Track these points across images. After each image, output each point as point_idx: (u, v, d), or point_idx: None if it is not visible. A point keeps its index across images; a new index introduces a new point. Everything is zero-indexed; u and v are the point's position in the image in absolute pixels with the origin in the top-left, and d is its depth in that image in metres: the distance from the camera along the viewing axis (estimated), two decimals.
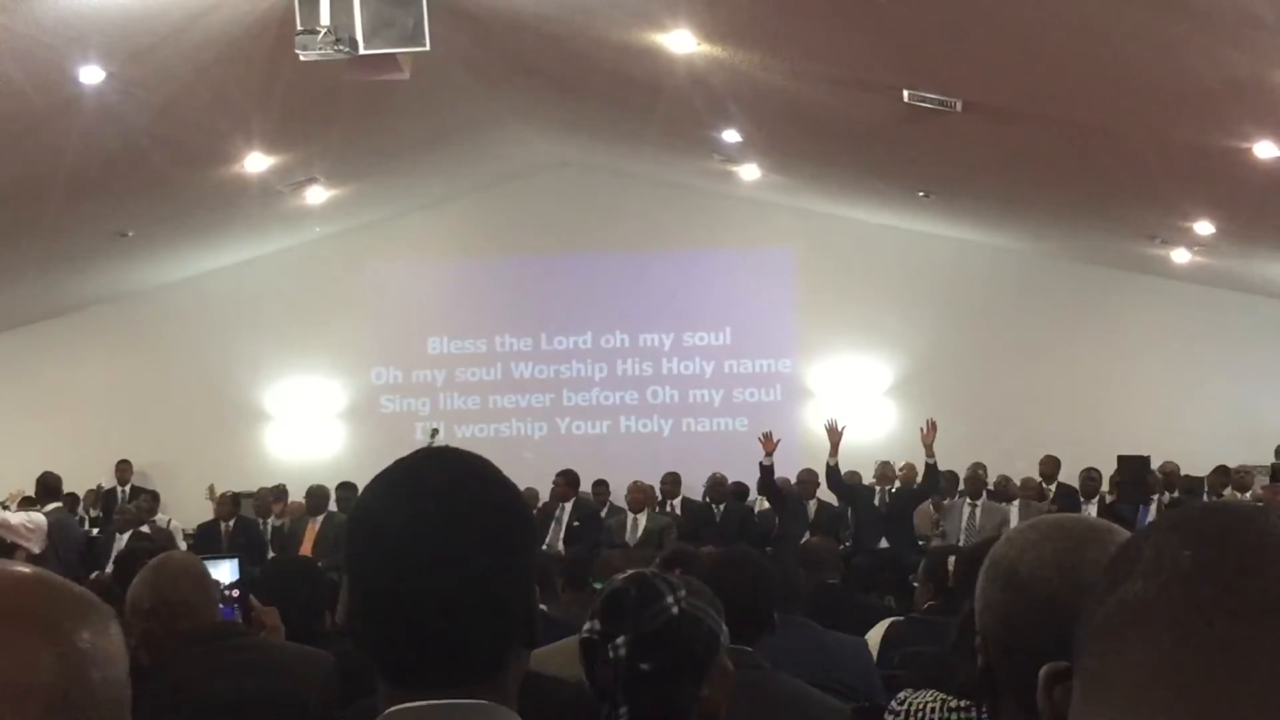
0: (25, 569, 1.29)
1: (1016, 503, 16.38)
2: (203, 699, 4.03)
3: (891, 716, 3.52)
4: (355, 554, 1.93)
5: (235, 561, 6.03)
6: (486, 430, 21.60)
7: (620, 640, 2.98)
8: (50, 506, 14.57)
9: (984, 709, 3.26)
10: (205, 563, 4.98)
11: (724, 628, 3.18)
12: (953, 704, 3.38)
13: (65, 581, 1.29)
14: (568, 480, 16.72)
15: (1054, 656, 1.44)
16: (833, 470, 15.76)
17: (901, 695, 3.56)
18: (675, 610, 3.06)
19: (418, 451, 2.01)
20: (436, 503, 1.89)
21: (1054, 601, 2.01)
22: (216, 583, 4.90)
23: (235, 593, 5.44)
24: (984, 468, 16.94)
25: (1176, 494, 16.85)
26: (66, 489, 17.51)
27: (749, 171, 18.92)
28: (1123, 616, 1.14)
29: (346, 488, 17.82)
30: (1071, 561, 2.07)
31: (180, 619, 4.57)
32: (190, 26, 12.02)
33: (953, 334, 20.92)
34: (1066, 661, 1.28)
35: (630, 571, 3.17)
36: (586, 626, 3.04)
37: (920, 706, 3.45)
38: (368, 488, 1.97)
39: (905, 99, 12.74)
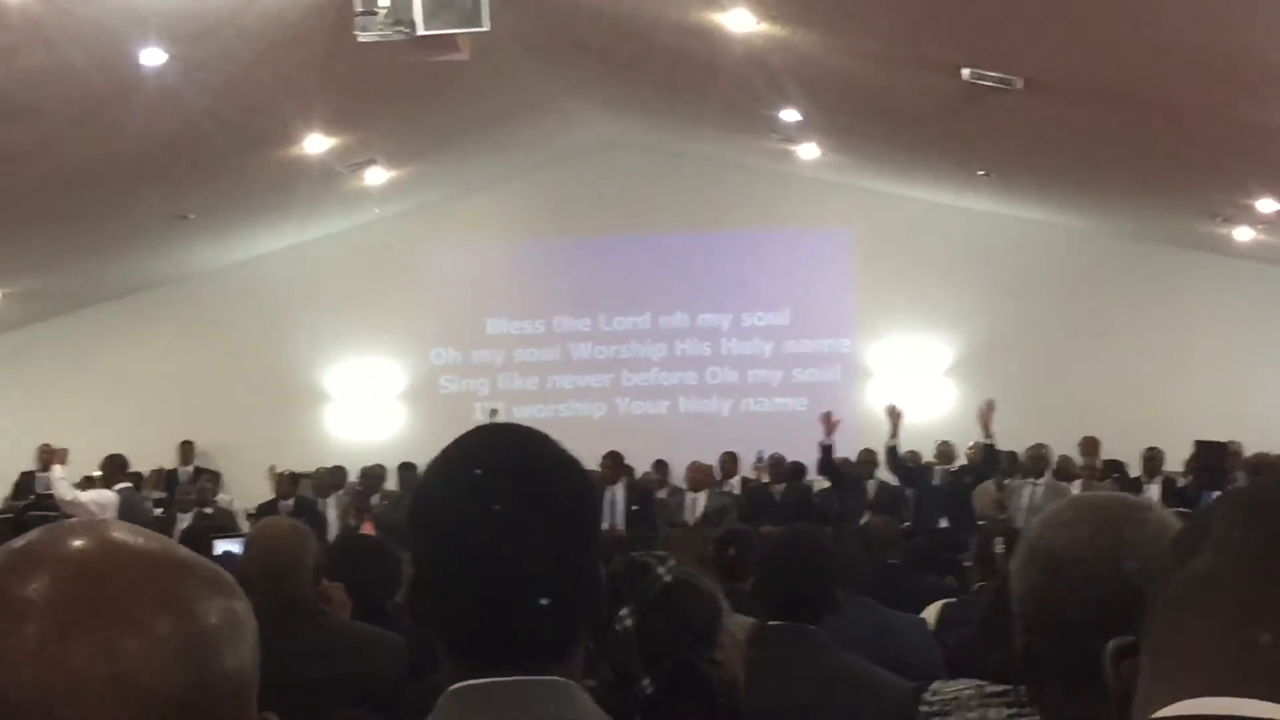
0: (150, 540, 1.22)
1: (1079, 482, 16.30)
2: (272, 679, 4.04)
3: (926, 708, 3.51)
4: (421, 535, 1.93)
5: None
6: (545, 411, 21.60)
7: (624, 612, 2.99)
8: (119, 485, 14.66)
9: (1024, 690, 3.26)
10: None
11: (723, 598, 3.18)
12: (989, 689, 3.37)
13: (192, 554, 1.23)
14: (615, 462, 16.68)
15: (1094, 636, 1.43)
16: (892, 451, 15.75)
17: (933, 687, 3.55)
18: (668, 578, 3.07)
19: (479, 429, 2.01)
20: (503, 482, 1.88)
21: (1091, 581, 1.99)
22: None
23: None
24: (1046, 447, 16.84)
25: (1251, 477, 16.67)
26: (130, 470, 17.64)
27: (808, 151, 18.86)
28: (1191, 591, 1.13)
29: (407, 468, 17.92)
30: (1107, 541, 2.05)
31: (281, 589, 4.59)
32: (250, 8, 12.06)
33: (1013, 313, 20.81)
34: (1130, 636, 1.28)
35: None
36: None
37: (955, 695, 3.44)
38: (432, 468, 1.96)
39: (965, 77, 12.67)
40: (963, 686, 3.40)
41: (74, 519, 1.16)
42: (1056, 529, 2.10)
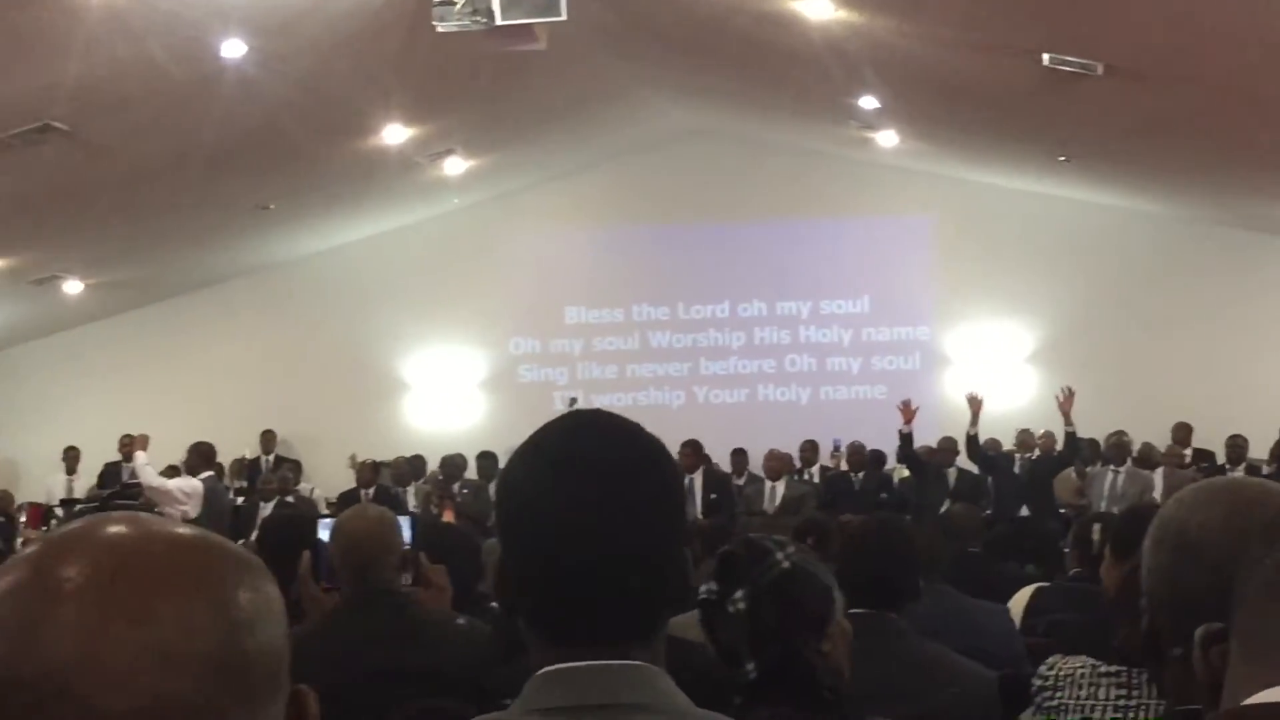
0: (183, 527, 1.28)
1: (1160, 470, 16.20)
2: (357, 668, 4.07)
3: (1040, 681, 3.50)
4: (509, 521, 1.95)
5: (408, 519, 6.02)
6: (624, 399, 21.61)
7: (739, 595, 2.99)
8: (203, 474, 14.78)
9: (1137, 673, 3.24)
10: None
11: (838, 590, 3.19)
12: (1103, 669, 3.36)
13: (223, 540, 1.29)
14: (694, 451, 16.64)
15: (1222, 619, 1.43)
16: (973, 439, 15.71)
17: (1050, 661, 3.54)
18: (786, 564, 3.07)
19: (566, 415, 2.02)
20: (590, 468, 1.89)
21: (1223, 564, 1.97)
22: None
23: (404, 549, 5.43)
24: (1127, 434, 16.72)
25: None
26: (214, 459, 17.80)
27: (887, 138, 18.79)
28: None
29: (486, 457, 17.97)
30: (1241, 524, 2.03)
31: (366, 578, 4.62)
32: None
33: (1094, 300, 20.65)
34: (1218, 624, 1.27)
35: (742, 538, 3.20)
36: (704, 588, 3.05)
37: (1070, 672, 3.43)
38: (519, 454, 1.97)
39: (1045, 62, 12.60)
40: (1077, 664, 3.40)
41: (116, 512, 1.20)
42: (1190, 510, 2.09)
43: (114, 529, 1.24)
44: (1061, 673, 3.43)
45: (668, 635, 1.97)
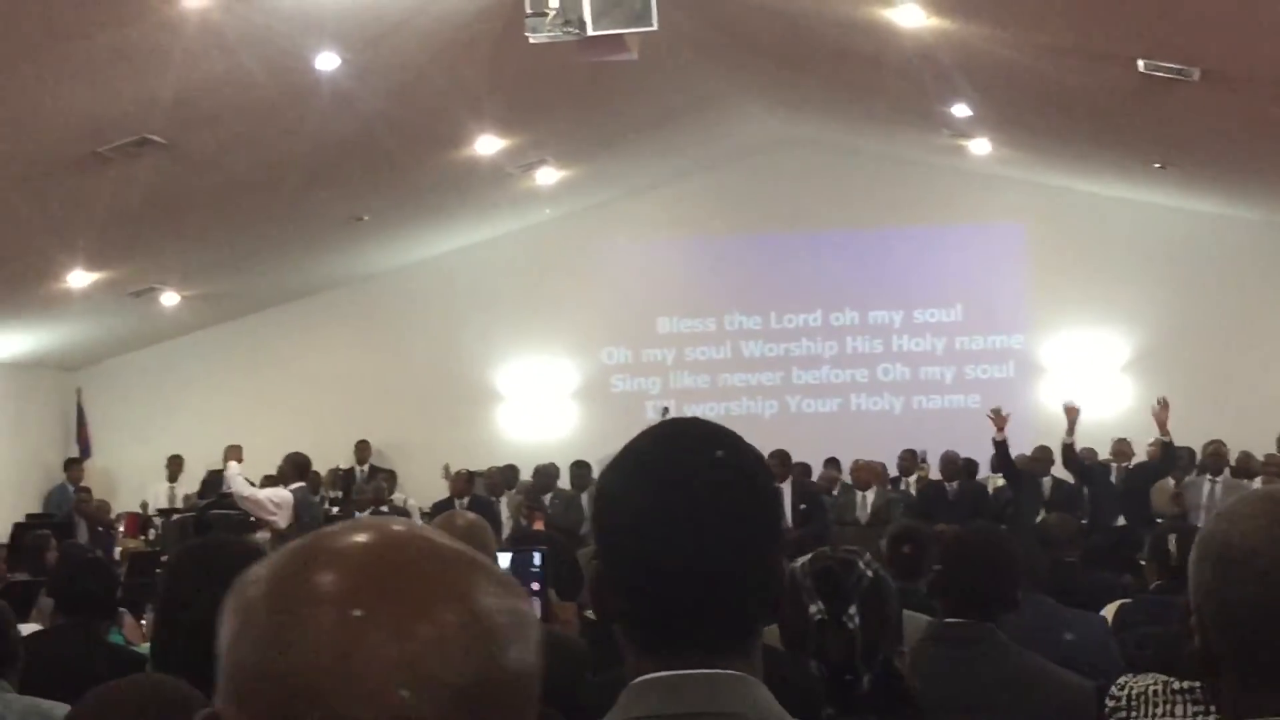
0: (442, 537, 1.25)
1: (1259, 479, 16.01)
2: None
3: (1112, 703, 3.47)
4: (611, 531, 1.95)
5: (541, 553, 5.90)
6: (717, 409, 21.58)
7: (852, 610, 2.98)
8: (294, 485, 14.89)
9: (1213, 688, 3.21)
10: (510, 553, 4.96)
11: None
12: (1176, 686, 3.32)
13: (479, 554, 1.26)
14: (782, 461, 16.58)
15: (1270, 632, 1.40)
16: (1069, 448, 15.59)
17: (1121, 681, 3.52)
18: (869, 573, 3.06)
19: (664, 424, 2.02)
20: (691, 478, 1.89)
21: (1269, 576, 1.94)
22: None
23: (536, 585, 5.40)
24: (1224, 444, 16.54)
25: None
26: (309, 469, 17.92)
27: (979, 146, 18.70)
28: None
29: (579, 466, 18.00)
30: None
31: None
32: (422, 11, 12.21)
33: (1190, 307, 20.45)
34: None
35: (813, 552, 3.16)
36: (814, 608, 3.02)
37: (1141, 691, 3.39)
38: (618, 464, 1.97)
39: (1140, 68, 12.49)
40: (1149, 682, 3.37)
41: (353, 518, 1.19)
42: (1232, 522, 2.06)
43: (369, 537, 1.22)
44: (1134, 692, 3.39)
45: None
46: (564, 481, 18.24)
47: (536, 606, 5.21)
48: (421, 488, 19.72)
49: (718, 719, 1.82)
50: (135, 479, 21.10)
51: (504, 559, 5.85)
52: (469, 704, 1.16)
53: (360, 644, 1.14)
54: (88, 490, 18.92)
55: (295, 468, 15.11)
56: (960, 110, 16.55)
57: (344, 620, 1.15)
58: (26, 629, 6.53)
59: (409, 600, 1.17)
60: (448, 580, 1.20)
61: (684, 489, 1.88)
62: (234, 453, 14.49)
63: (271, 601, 1.18)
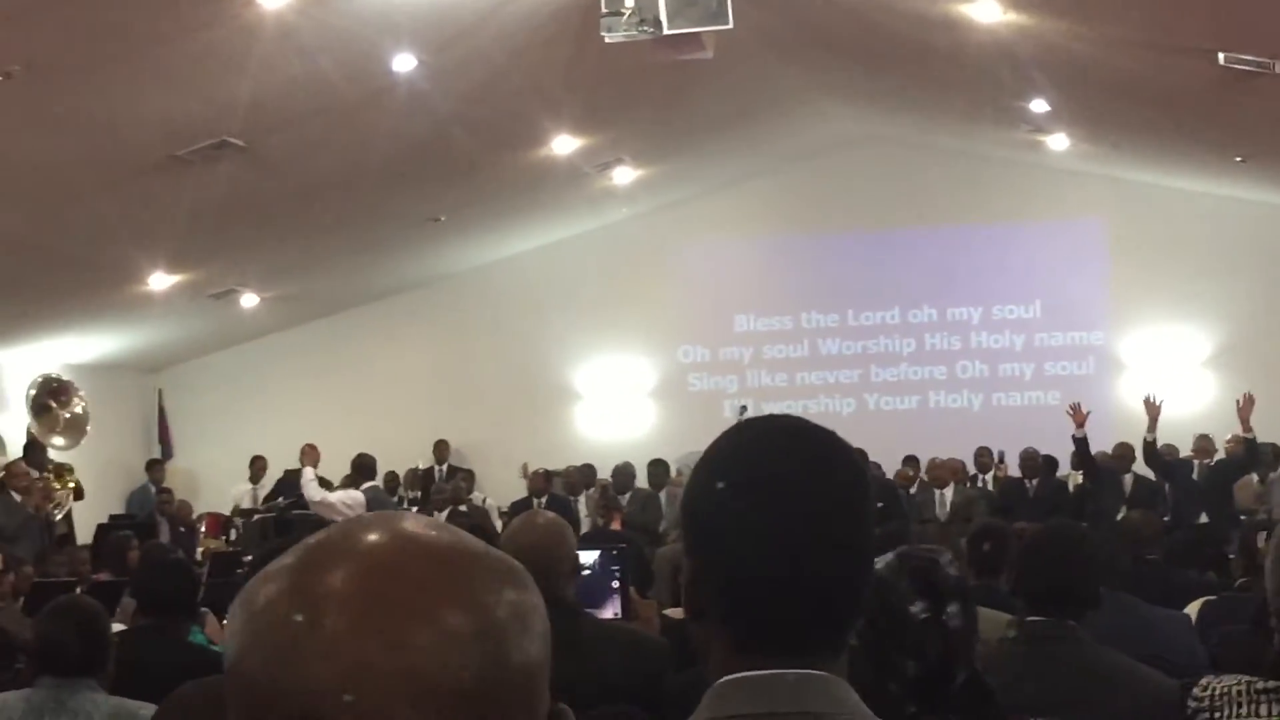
0: (441, 532, 1.23)
1: None
2: None
3: (1194, 704, 3.43)
4: (701, 531, 1.92)
5: (621, 551, 5.92)
6: (794, 407, 21.53)
7: (954, 608, 2.96)
8: (365, 485, 14.96)
9: None
10: (593, 552, 4.96)
11: None
12: (1259, 685, 3.28)
13: (484, 546, 1.25)
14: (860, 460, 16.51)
15: None
16: (1150, 445, 15.47)
17: (1203, 682, 3.48)
18: (952, 571, 3.04)
19: (756, 422, 2.00)
20: (784, 478, 1.87)
21: None
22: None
23: (617, 583, 5.42)
24: None
25: None
26: (386, 469, 18.00)
27: (1058, 141, 18.57)
28: None
29: (658, 464, 18.02)
30: None
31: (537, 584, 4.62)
32: (499, 11, 12.24)
33: (1273, 302, 20.21)
34: None
35: (898, 550, 3.13)
36: (916, 607, 2.99)
37: (1224, 691, 3.35)
38: (708, 463, 1.94)
39: (1221, 61, 12.38)
40: (1231, 682, 3.33)
41: (368, 514, 1.19)
42: None
43: (371, 537, 1.21)
44: (1216, 692, 3.35)
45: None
46: (641, 480, 18.27)
47: (618, 603, 5.23)
48: (499, 487, 19.78)
49: (805, 718, 1.80)
50: (216, 480, 21.27)
51: (585, 557, 5.86)
52: (475, 705, 1.16)
53: (358, 660, 1.13)
54: (169, 491, 19.08)
55: (361, 469, 15.20)
56: (1038, 105, 16.45)
57: (340, 637, 1.14)
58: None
59: (408, 605, 1.16)
60: (447, 580, 1.19)
61: (778, 488, 1.86)
62: (310, 453, 14.56)
63: (272, 617, 1.17)
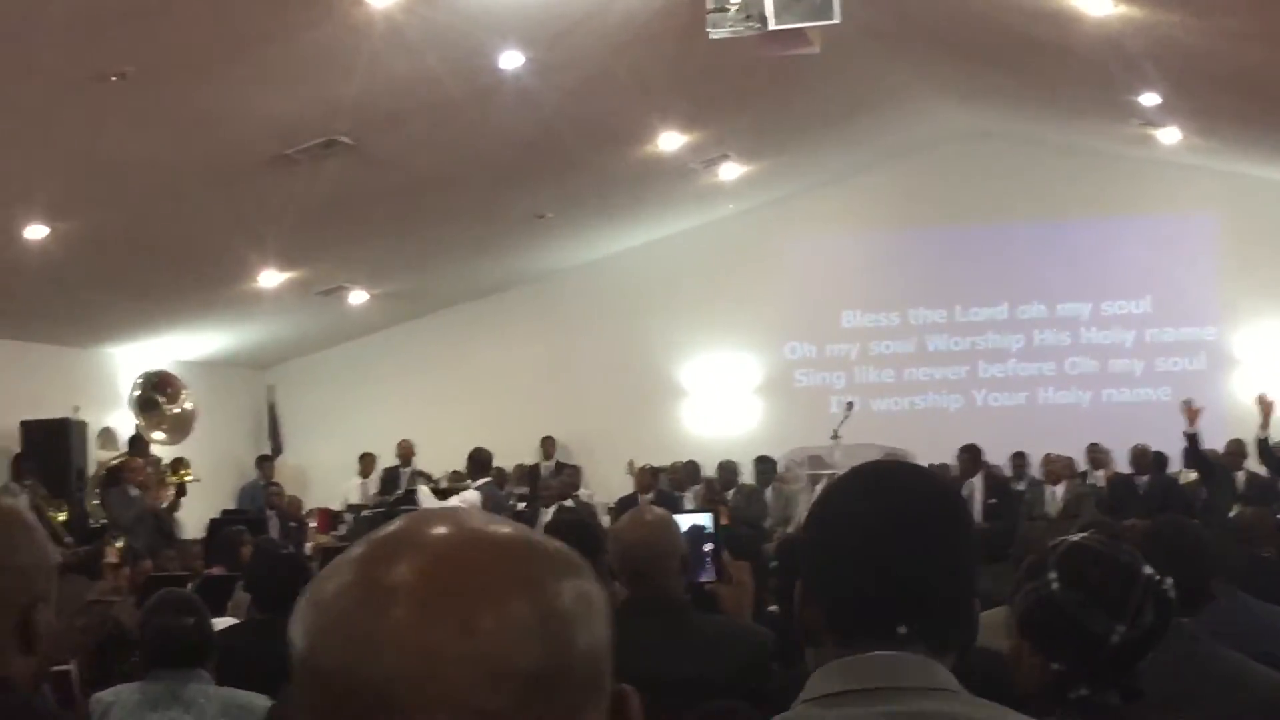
0: (503, 525, 1.27)
1: None
2: (634, 675, 4.07)
3: None
4: (824, 546, 2.24)
5: (710, 515, 5.97)
6: (901, 404, 21.51)
7: (1169, 583, 2.93)
8: (481, 481, 15.02)
9: None
10: (681, 517, 4.98)
11: None
12: None
13: (544, 538, 1.28)
14: (973, 456, 16.47)
15: None
16: (1263, 442, 15.29)
17: None
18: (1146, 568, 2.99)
19: (879, 465, 2.35)
20: (900, 513, 2.18)
21: None
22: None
23: (710, 546, 5.42)
24: None
25: None
26: (494, 465, 18.06)
27: (1169, 135, 18.35)
28: None
29: (764, 461, 18.00)
30: None
31: (644, 583, 4.63)
32: (606, 9, 12.27)
33: None
34: None
35: (1086, 534, 3.10)
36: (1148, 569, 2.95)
37: None
38: (840, 486, 2.31)
39: None
40: None
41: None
42: None
43: (436, 530, 1.24)
44: None
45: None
46: (747, 477, 18.26)
47: (711, 568, 5.23)
48: (606, 483, 19.82)
49: (899, 692, 2.04)
50: (325, 475, 21.44)
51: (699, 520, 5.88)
52: (541, 691, 1.18)
53: (427, 648, 1.16)
54: (279, 486, 19.26)
55: (477, 464, 15.27)
56: (1149, 99, 16.27)
57: (409, 626, 1.16)
58: (222, 622, 6.66)
59: (474, 593, 1.18)
60: (511, 570, 1.22)
61: (894, 516, 2.17)
62: (406, 448, 14.64)
63: (341, 608, 1.20)
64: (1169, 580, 2.93)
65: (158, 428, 17.73)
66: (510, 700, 1.17)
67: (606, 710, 1.26)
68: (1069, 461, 18.03)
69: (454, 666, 1.15)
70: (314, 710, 1.20)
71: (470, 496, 14.40)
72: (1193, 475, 16.48)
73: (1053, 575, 2.89)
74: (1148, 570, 2.91)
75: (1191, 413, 15.21)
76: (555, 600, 1.21)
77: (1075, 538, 3.00)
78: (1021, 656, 2.91)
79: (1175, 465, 17.16)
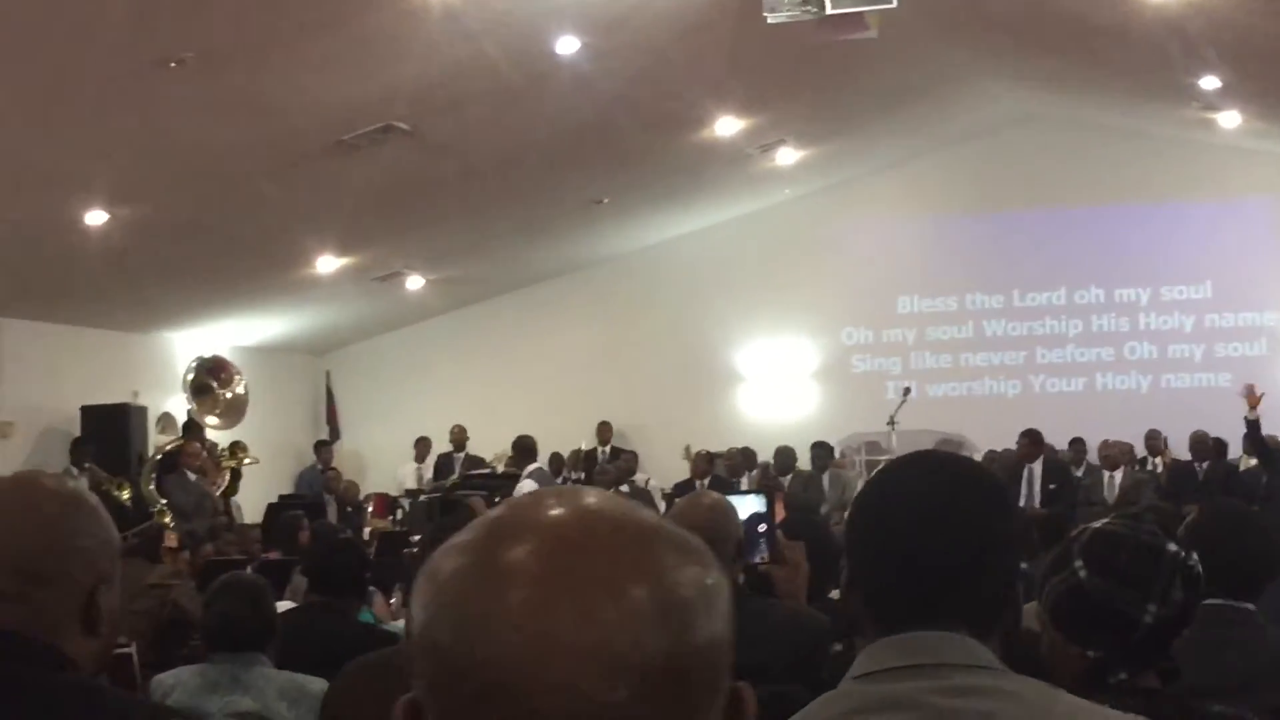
0: (625, 508, 1.24)
1: None
2: None
3: None
4: (869, 518, 2.32)
5: (762, 497, 5.97)
6: (958, 389, 21.44)
7: (1195, 559, 2.93)
8: (530, 468, 15.04)
9: None
10: (732, 499, 4.98)
11: None
12: None
13: (666, 522, 1.25)
14: (1033, 440, 16.38)
15: None
16: None
17: None
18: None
19: (909, 459, 2.43)
20: (949, 484, 2.26)
21: None
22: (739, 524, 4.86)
23: (764, 527, 5.41)
24: None
25: None
26: (550, 450, 18.10)
27: (1229, 119, 18.22)
28: None
29: (820, 446, 17.95)
30: None
31: None
32: None
33: None
34: None
35: (1106, 520, 3.08)
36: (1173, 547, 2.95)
37: None
38: (882, 471, 2.39)
39: None
40: None
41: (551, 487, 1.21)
42: None
43: (557, 512, 1.22)
44: None
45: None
46: (805, 462, 18.23)
47: (764, 548, 5.22)
48: (662, 469, 19.83)
49: (945, 668, 2.10)
50: (382, 460, 21.54)
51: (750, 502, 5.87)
52: (661, 680, 1.16)
53: (548, 636, 1.14)
54: (336, 471, 19.33)
55: (522, 451, 15.26)
56: (1209, 82, 16.16)
57: (530, 611, 1.15)
58: (280, 606, 6.70)
59: (595, 579, 1.16)
60: (633, 556, 1.19)
61: (942, 493, 2.25)
62: (458, 433, 14.59)
63: (460, 589, 1.18)
64: (1194, 556, 2.93)
65: (211, 412, 17.82)
66: (627, 693, 1.15)
67: (723, 707, 1.23)
68: (1127, 448, 17.95)
69: (570, 654, 1.14)
70: (428, 685, 1.19)
71: (526, 487, 14.40)
72: (1253, 461, 16.37)
73: (1078, 564, 2.90)
74: (1172, 547, 2.90)
75: (1253, 398, 15.12)
76: (678, 589, 1.19)
77: (1097, 524, 3.00)
78: (1056, 648, 2.91)
79: (1235, 451, 17.05)
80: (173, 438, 17.68)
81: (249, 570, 7.63)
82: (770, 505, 5.55)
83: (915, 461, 2.38)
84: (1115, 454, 17.45)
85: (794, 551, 5.16)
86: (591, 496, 1.25)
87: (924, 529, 2.19)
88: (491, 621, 1.15)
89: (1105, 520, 3.02)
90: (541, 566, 1.17)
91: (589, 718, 1.14)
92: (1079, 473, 17.44)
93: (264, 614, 5.67)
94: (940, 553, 2.18)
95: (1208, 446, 17.26)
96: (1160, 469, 18.12)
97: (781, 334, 22.04)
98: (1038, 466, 16.07)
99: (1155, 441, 18.56)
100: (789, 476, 17.93)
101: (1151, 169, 20.57)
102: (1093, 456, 18.09)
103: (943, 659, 2.10)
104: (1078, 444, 18.31)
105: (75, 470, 16.13)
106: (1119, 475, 17.17)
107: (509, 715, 1.14)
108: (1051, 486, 15.94)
